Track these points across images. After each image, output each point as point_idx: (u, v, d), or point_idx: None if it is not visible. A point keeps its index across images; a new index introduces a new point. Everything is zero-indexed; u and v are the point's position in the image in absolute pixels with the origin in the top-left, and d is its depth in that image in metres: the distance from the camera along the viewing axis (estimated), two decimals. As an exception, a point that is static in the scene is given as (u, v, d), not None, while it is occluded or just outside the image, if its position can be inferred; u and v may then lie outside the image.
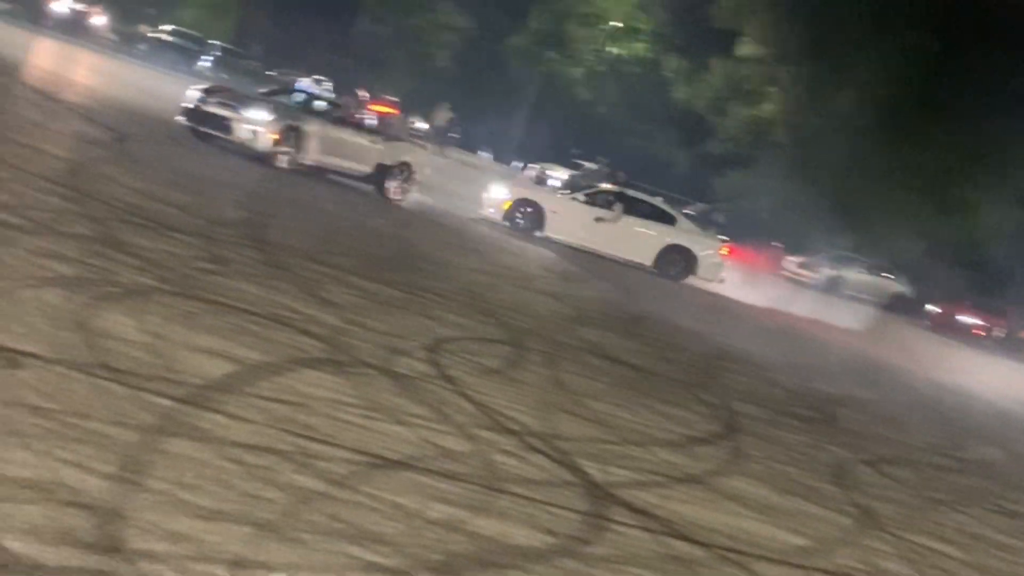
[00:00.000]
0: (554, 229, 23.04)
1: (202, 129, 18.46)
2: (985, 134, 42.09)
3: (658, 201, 25.42)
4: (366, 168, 20.19)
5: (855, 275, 42.26)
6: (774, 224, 45.57)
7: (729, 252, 24.93)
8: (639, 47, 61.51)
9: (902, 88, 44.28)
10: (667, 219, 24.16)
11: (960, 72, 42.78)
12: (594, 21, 61.86)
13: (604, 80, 59.93)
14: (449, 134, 47.12)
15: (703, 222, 36.88)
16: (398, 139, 21.83)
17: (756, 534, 6.87)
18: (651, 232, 23.73)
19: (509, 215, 22.88)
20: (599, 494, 6.59)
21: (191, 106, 18.60)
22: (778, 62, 52.59)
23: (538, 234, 22.64)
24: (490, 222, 22.95)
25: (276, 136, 18.19)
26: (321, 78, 50.69)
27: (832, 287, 40.95)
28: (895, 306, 40.37)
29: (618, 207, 23.35)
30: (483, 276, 14.72)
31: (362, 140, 19.98)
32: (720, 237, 25.60)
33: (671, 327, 16.71)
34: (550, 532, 5.62)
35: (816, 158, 47.88)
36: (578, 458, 7.18)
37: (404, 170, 20.98)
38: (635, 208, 23.93)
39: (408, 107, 52.42)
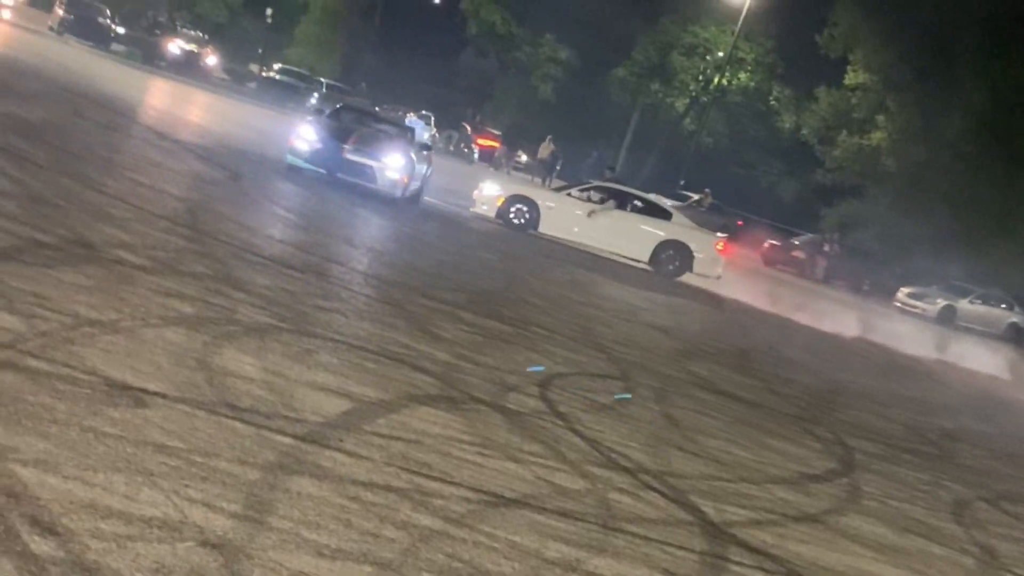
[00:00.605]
0: (549, 226, 22.58)
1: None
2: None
3: (653, 197, 24.99)
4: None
5: (968, 305, 41.32)
6: (884, 254, 44.83)
7: (724, 247, 23.90)
8: (744, 77, 61.18)
9: (1014, 113, 43.33)
10: (662, 215, 23.47)
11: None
12: (699, 52, 61.68)
13: (709, 111, 59.67)
14: (554, 167, 47.27)
15: (812, 254, 36.34)
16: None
17: (876, 575, 6.74)
18: (646, 228, 22.97)
19: (503, 212, 22.47)
20: (716, 533, 6.53)
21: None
22: (887, 89, 51.87)
23: (532, 232, 22.31)
24: (483, 219, 22.63)
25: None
26: (426, 113, 51.38)
27: (945, 318, 40.12)
28: (1010, 337, 39.34)
29: (610, 202, 22.93)
30: (590, 309, 14.71)
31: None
32: (718, 234, 24.50)
33: (776, 359, 16.52)
34: (668, 572, 5.59)
35: (927, 186, 47.06)
36: (693, 496, 7.13)
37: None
38: (629, 204, 23.32)
39: (511, 140, 52.84)
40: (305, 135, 19.25)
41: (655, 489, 7.01)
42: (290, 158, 19.12)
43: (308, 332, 8.10)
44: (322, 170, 19.12)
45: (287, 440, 5.65)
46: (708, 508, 6.98)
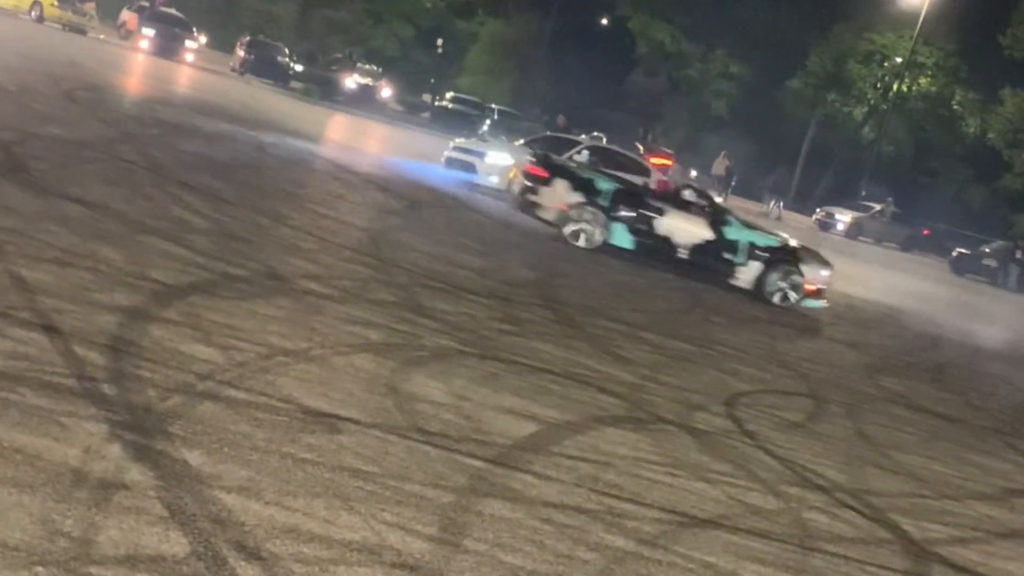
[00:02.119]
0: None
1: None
2: None
3: (633, 155, 24.05)
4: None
5: None
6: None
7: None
8: (924, 82, 59.40)
9: None
10: (643, 172, 22.18)
11: None
12: (876, 59, 60.18)
13: (889, 118, 58.10)
14: (729, 183, 46.73)
15: (1004, 261, 35.03)
16: None
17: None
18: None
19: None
20: (917, 552, 6.32)
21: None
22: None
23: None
24: (494, 192, 21.02)
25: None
26: (598, 134, 51.46)
27: None
28: None
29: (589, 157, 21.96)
30: (768, 326, 14.44)
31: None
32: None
33: (972, 372, 15.92)
34: (870, 594, 5.42)
35: None
36: (892, 514, 6.91)
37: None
38: (612, 160, 22.01)
39: (685, 158, 52.44)
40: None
41: (852, 508, 6.82)
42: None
43: (492, 356, 8.16)
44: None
45: (477, 463, 5.68)
46: (908, 526, 6.76)
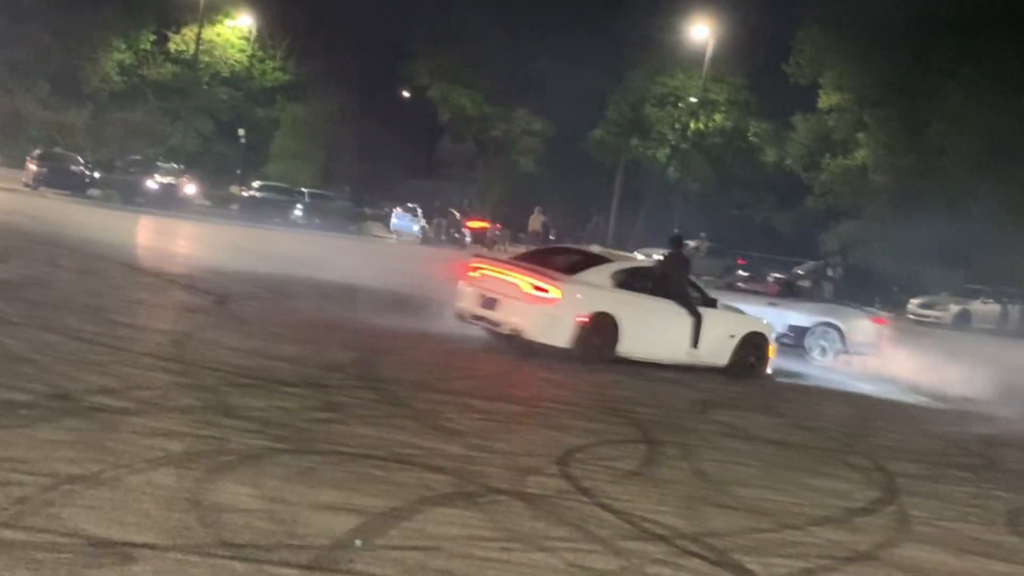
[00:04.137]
0: None
1: None
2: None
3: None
4: None
5: (981, 306, 40.93)
6: (889, 269, 44.45)
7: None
8: (719, 118, 61.21)
9: (998, 110, 43.17)
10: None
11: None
12: (671, 101, 61.81)
13: (690, 157, 59.65)
14: (548, 237, 47.18)
15: (817, 280, 36.11)
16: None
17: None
18: None
19: None
20: (766, 592, 6.10)
21: None
22: (862, 107, 51.82)
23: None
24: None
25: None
26: (412, 205, 51.35)
27: (961, 322, 39.68)
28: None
29: None
30: (598, 374, 14.29)
31: None
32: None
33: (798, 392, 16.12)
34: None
35: (920, 195, 46.87)
36: (735, 554, 6.71)
37: None
38: None
39: (501, 217, 52.75)
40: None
41: (694, 554, 6.59)
42: None
43: (308, 449, 7.71)
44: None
45: (291, 572, 5.23)
46: (753, 564, 6.56)
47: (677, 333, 15.35)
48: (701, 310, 15.57)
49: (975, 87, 43.93)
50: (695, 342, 15.50)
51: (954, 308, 40.67)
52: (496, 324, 14.55)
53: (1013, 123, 42.72)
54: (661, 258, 17.39)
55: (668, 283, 15.56)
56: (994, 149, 43.75)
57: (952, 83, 45.41)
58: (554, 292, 14.19)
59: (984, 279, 42.26)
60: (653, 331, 15.01)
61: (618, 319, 14.48)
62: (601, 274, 15.00)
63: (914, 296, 42.06)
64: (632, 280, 15.25)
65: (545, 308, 14.14)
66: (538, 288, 14.24)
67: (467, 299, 15.04)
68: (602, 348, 14.43)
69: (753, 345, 16.09)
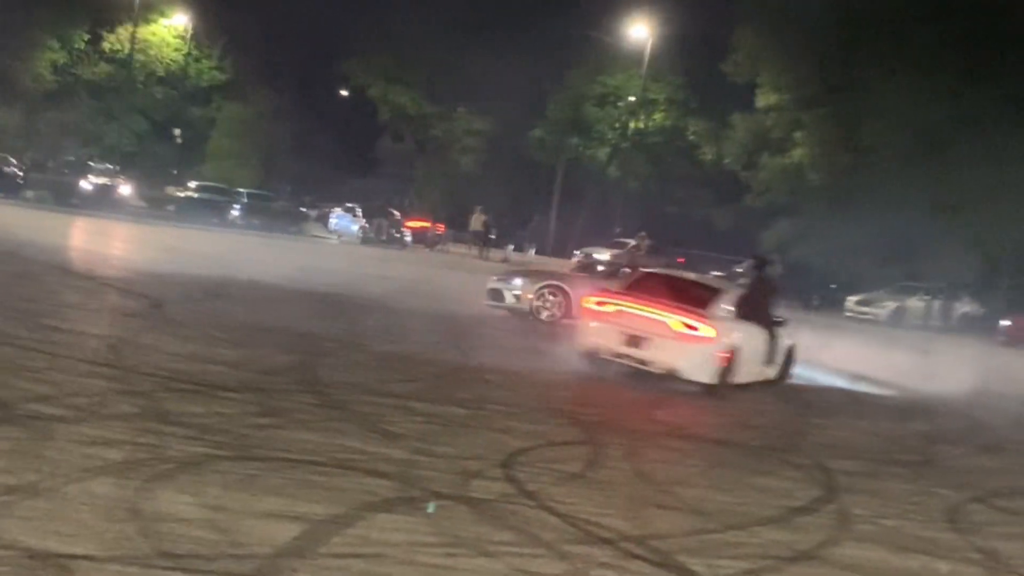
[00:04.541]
0: None
1: None
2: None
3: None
4: None
5: (917, 303, 41.50)
6: (827, 266, 44.94)
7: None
8: (659, 117, 61.57)
9: (931, 107, 43.72)
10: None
11: (989, 81, 42.18)
12: (610, 100, 62.06)
13: (631, 155, 59.92)
14: (489, 236, 47.16)
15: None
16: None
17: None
18: None
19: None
20: (711, 594, 6.11)
21: None
22: (798, 106, 52.31)
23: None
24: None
25: None
26: (351, 205, 51.08)
27: (897, 319, 40.19)
28: (965, 326, 39.43)
29: None
30: (545, 375, 14.27)
31: None
32: None
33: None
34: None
35: (856, 193, 47.35)
36: (679, 556, 6.71)
37: None
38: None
39: (442, 217, 52.68)
40: None
41: (639, 556, 6.59)
42: None
43: (249, 456, 7.61)
44: None
45: (234, 582, 5.17)
46: (698, 566, 6.57)
47: (761, 354, 15.78)
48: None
49: (906, 84, 44.45)
50: (769, 360, 16.01)
51: (890, 305, 41.22)
52: (644, 363, 14.47)
53: (944, 120, 43.30)
54: (747, 281, 18.01)
55: (757, 309, 15.85)
56: (926, 146, 44.29)
57: (884, 81, 45.94)
58: (705, 331, 14.25)
59: (921, 275, 42.85)
60: (752, 358, 15.35)
61: (737, 351, 14.71)
62: (727, 307, 15.28)
63: (852, 294, 42.58)
64: (738, 309, 15.56)
65: (700, 347, 14.21)
66: (689, 327, 14.26)
67: (606, 336, 14.77)
68: (726, 379, 14.66)
69: (790, 357, 16.93)
